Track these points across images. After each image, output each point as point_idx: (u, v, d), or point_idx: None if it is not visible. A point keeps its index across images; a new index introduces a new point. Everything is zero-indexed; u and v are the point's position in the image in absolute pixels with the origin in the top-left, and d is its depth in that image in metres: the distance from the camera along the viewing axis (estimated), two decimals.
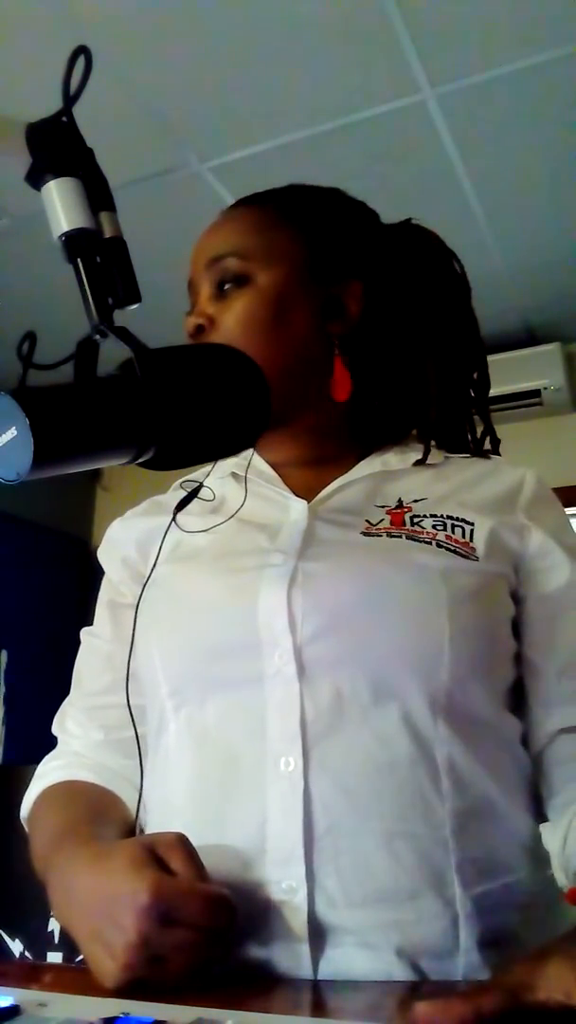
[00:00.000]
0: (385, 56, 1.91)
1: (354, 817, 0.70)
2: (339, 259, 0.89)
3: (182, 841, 0.65)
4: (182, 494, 0.90)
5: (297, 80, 1.99)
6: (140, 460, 0.66)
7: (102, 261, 0.70)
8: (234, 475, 0.92)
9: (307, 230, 0.88)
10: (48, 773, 0.89)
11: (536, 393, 3.07)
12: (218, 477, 0.93)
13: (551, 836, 0.75)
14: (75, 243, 0.69)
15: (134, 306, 0.71)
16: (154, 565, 0.86)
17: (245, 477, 0.88)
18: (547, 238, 2.59)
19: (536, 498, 0.87)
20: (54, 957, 2.01)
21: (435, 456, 0.90)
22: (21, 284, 2.69)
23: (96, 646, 0.94)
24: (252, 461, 0.91)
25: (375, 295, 0.90)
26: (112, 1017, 0.51)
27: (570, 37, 1.87)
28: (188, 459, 0.79)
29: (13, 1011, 0.53)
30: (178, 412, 0.65)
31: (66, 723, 0.93)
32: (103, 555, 0.98)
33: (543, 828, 0.77)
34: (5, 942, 2.21)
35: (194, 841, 0.70)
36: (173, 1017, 0.51)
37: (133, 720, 0.83)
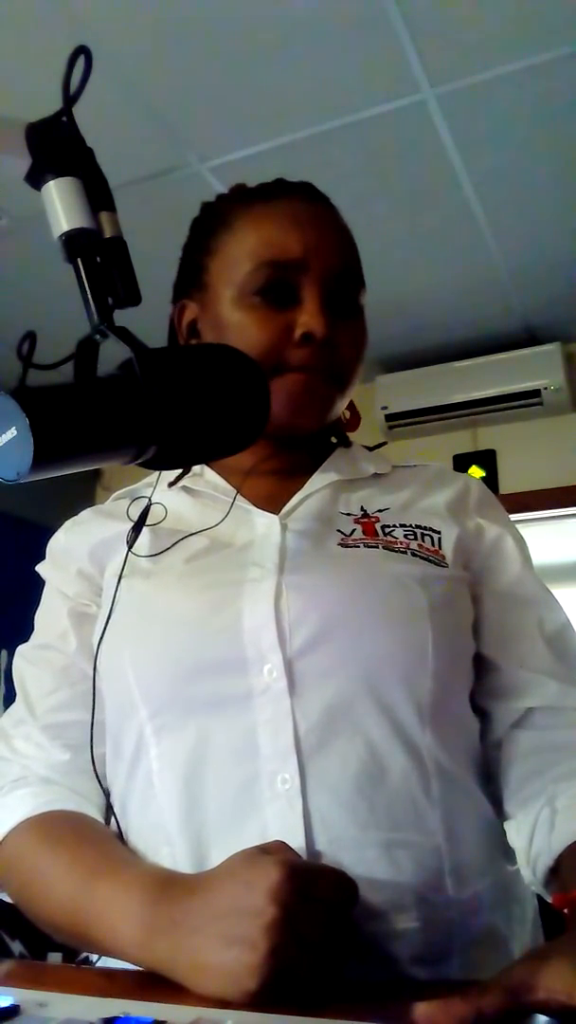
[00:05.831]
0: (385, 56, 1.91)
1: (354, 829, 0.69)
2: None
3: (285, 844, 0.65)
4: (123, 503, 0.89)
5: (297, 80, 1.98)
6: (140, 460, 0.66)
7: (102, 261, 0.70)
8: (186, 489, 0.89)
9: None
10: (23, 801, 0.79)
11: (536, 393, 3.07)
12: (163, 490, 0.90)
13: (516, 833, 0.75)
14: (75, 243, 0.69)
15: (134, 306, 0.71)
16: (119, 579, 0.82)
17: (233, 500, 0.85)
18: (547, 238, 2.59)
19: (483, 499, 0.92)
20: (54, 957, 2.01)
21: (384, 466, 0.93)
22: (21, 284, 2.69)
23: (50, 659, 0.88)
24: (204, 473, 0.90)
25: None
26: (112, 1017, 0.51)
27: (570, 37, 1.86)
28: (188, 459, 0.79)
29: (13, 1011, 0.53)
30: (178, 412, 0.65)
31: (14, 743, 0.85)
32: (50, 568, 0.93)
33: (507, 826, 0.77)
34: (5, 942, 2.22)
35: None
36: (173, 1017, 0.51)
37: (92, 742, 0.81)
